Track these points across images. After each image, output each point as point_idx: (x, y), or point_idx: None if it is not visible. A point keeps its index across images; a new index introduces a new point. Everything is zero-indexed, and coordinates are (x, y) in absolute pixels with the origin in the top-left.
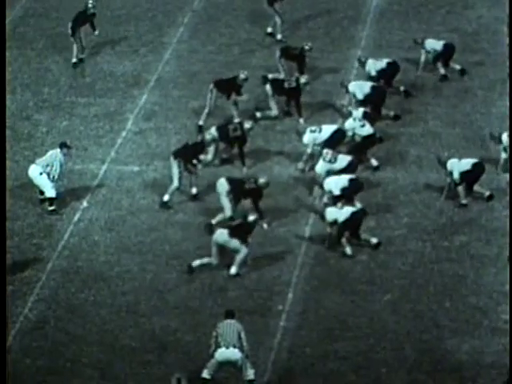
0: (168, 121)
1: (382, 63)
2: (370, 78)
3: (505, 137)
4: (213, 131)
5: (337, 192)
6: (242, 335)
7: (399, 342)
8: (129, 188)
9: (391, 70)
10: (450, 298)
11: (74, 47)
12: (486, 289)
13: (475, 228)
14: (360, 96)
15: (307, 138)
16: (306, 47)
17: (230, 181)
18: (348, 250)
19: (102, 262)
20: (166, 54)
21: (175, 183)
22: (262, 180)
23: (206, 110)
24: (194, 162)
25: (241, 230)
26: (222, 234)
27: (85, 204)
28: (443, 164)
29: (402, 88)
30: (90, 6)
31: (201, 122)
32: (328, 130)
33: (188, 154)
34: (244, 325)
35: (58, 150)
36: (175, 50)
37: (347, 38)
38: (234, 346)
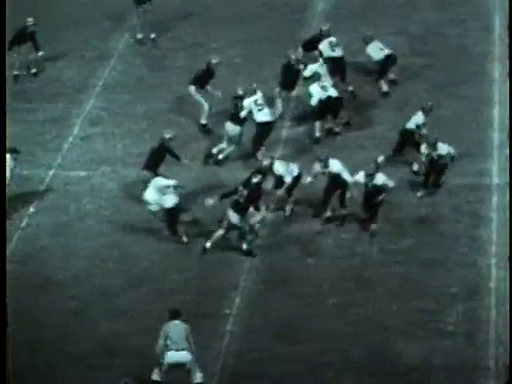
0: (115, 126)
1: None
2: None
3: (441, 145)
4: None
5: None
6: (189, 337)
7: (346, 345)
8: (76, 193)
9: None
10: (398, 300)
11: (15, 61)
12: (434, 291)
13: (423, 231)
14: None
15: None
16: (213, 61)
17: None
18: None
19: (49, 267)
20: (112, 59)
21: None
22: None
23: (206, 107)
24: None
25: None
26: (233, 217)
27: (32, 209)
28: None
29: (350, 88)
30: (29, 24)
31: (203, 121)
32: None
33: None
34: (192, 328)
35: (8, 155)
36: (121, 54)
37: (294, 42)
38: (183, 348)
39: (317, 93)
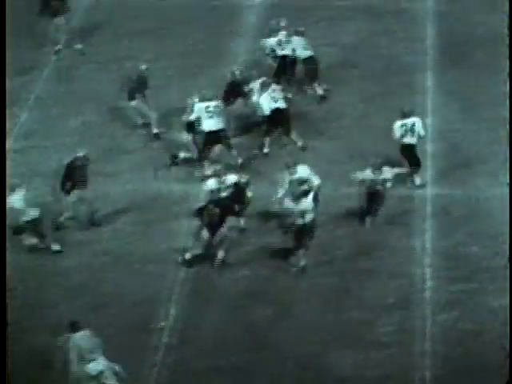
0: (48, 139)
1: None
2: None
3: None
4: None
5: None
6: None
7: (281, 356)
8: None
9: None
10: (333, 311)
11: None
12: (368, 302)
13: (356, 242)
14: None
15: None
16: (143, 67)
17: None
18: None
19: None
20: (45, 72)
21: None
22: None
23: (154, 116)
24: None
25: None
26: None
27: None
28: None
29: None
30: None
31: (155, 130)
32: None
33: None
34: (126, 341)
35: None
36: (55, 67)
37: (225, 54)
38: (95, 359)
39: (267, 103)
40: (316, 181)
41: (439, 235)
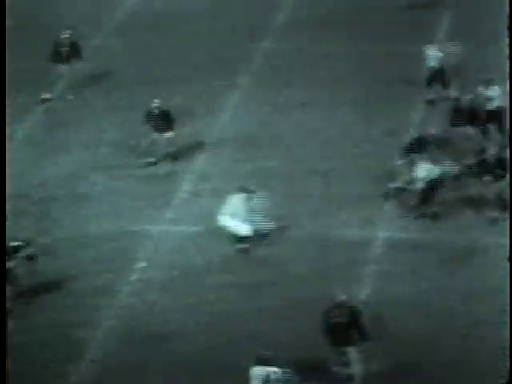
0: (224, 182)
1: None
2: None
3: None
4: None
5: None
6: None
7: None
8: (184, 247)
9: None
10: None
11: None
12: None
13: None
14: None
15: None
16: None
17: None
18: None
19: (159, 322)
20: (224, 117)
21: None
22: None
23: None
24: None
25: None
26: None
27: (143, 264)
28: None
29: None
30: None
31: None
32: None
33: None
34: None
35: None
36: (234, 112)
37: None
38: None
39: None
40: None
41: None
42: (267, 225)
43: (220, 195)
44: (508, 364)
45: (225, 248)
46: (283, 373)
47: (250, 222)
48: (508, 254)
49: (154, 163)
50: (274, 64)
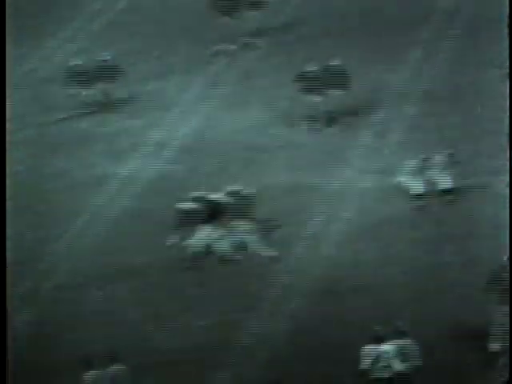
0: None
1: None
2: None
3: None
4: None
5: None
6: None
7: None
8: (361, 203)
9: None
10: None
11: None
12: None
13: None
14: None
15: None
16: None
17: None
18: None
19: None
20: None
21: None
22: None
23: None
24: None
25: None
26: None
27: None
28: None
29: None
30: None
31: None
32: None
33: None
34: None
35: None
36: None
37: None
38: None
39: None
40: None
41: None
42: (447, 182)
43: (398, 152)
44: (508, 364)
45: (402, 205)
46: (399, 349)
47: (428, 179)
48: (508, 254)
49: (333, 118)
50: None
